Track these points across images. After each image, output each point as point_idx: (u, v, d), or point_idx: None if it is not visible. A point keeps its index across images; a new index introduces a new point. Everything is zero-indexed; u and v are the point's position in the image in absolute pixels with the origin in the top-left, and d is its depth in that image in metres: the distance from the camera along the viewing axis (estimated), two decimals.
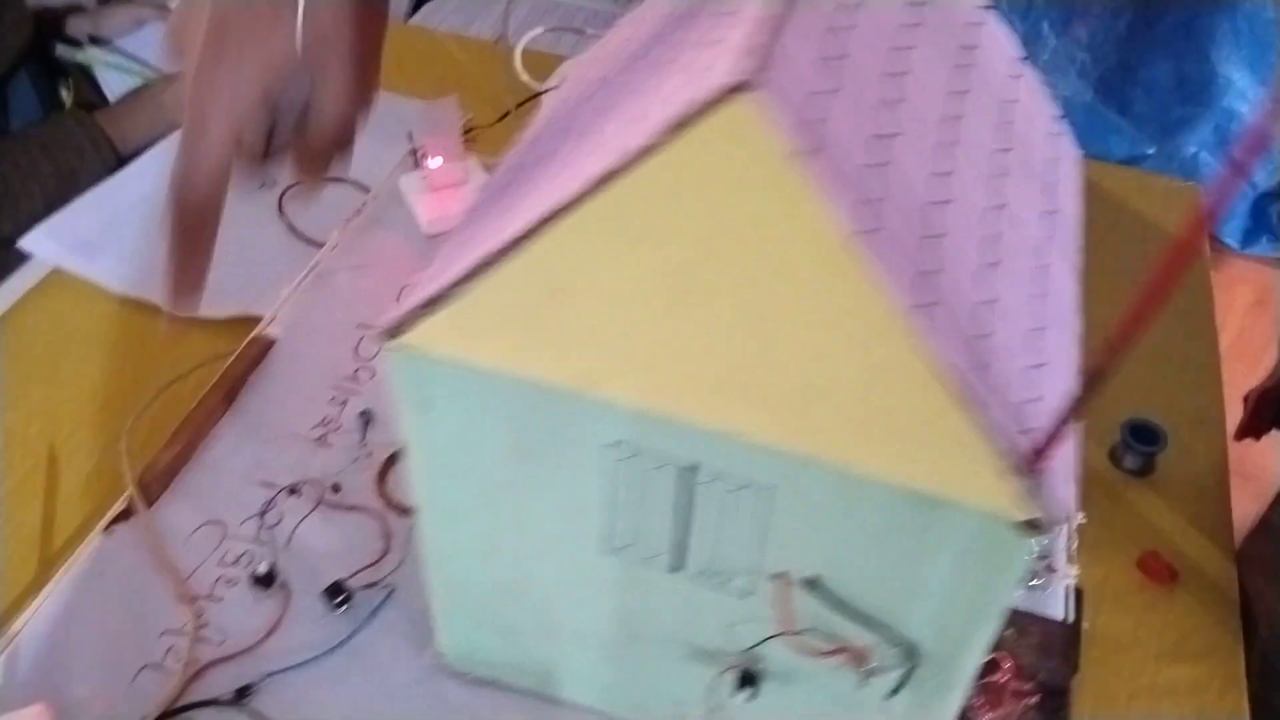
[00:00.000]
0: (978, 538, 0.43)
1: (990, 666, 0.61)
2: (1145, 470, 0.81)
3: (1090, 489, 0.78)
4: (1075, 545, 0.71)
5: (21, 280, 0.92)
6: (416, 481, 0.54)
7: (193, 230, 0.55)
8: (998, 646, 0.63)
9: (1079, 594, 0.70)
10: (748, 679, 0.54)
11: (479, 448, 0.50)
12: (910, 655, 0.49)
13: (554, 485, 0.50)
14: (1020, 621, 0.64)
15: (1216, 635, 0.73)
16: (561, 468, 0.49)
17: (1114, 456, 0.82)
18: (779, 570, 0.49)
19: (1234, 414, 0.91)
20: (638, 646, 0.57)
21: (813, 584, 0.49)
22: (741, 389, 0.43)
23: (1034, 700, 0.60)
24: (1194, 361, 0.92)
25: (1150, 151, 1.46)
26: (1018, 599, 0.67)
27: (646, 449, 0.47)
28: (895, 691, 0.51)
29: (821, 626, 0.50)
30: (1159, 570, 0.75)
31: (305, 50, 0.51)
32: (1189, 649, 0.72)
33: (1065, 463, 0.43)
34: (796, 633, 0.50)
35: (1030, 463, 0.41)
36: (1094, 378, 0.38)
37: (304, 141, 0.56)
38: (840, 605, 0.49)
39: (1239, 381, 1.33)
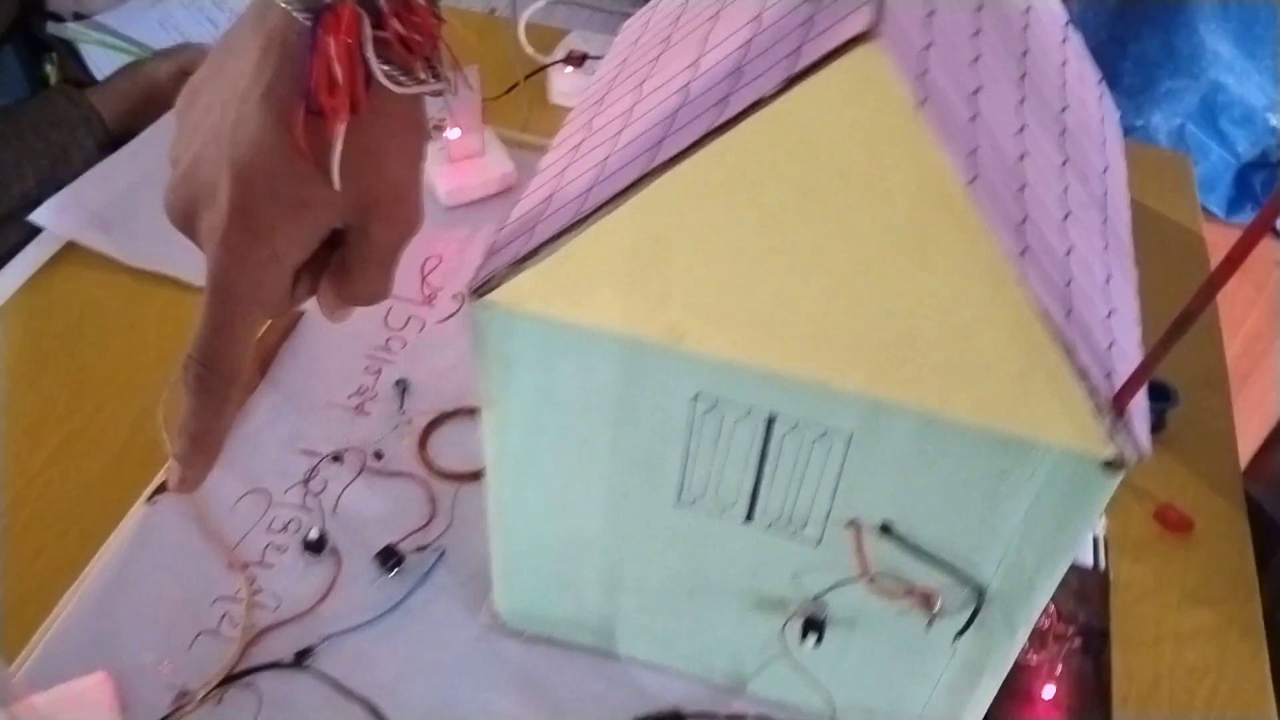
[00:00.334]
0: (1061, 477, 0.44)
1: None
2: (1157, 428, 0.84)
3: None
4: None
5: (36, 253, 0.91)
6: (490, 438, 0.55)
7: (217, 396, 0.49)
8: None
9: (1105, 544, 0.73)
10: (812, 626, 0.56)
11: (560, 404, 0.51)
12: (979, 597, 0.51)
13: (632, 439, 0.51)
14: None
15: (1233, 581, 0.76)
16: (642, 422, 0.50)
17: None
18: (852, 517, 0.51)
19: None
20: (701, 598, 0.59)
21: (886, 529, 0.51)
22: (833, 337, 0.44)
23: (1076, 643, 0.63)
24: (1198, 324, 0.94)
25: (1139, 124, 1.50)
26: None
27: (729, 400, 0.48)
28: (961, 633, 0.53)
29: (891, 571, 0.52)
30: (1175, 521, 0.78)
31: (347, 209, 0.46)
32: (1208, 595, 0.75)
33: (1141, 406, 0.45)
34: (869, 578, 0.52)
35: (1114, 403, 0.42)
36: (1179, 325, 0.40)
37: (343, 285, 0.51)
38: (913, 549, 0.50)
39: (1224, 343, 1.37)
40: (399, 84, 0.43)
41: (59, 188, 0.97)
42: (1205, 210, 1.30)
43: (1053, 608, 0.64)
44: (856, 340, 0.44)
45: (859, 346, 0.44)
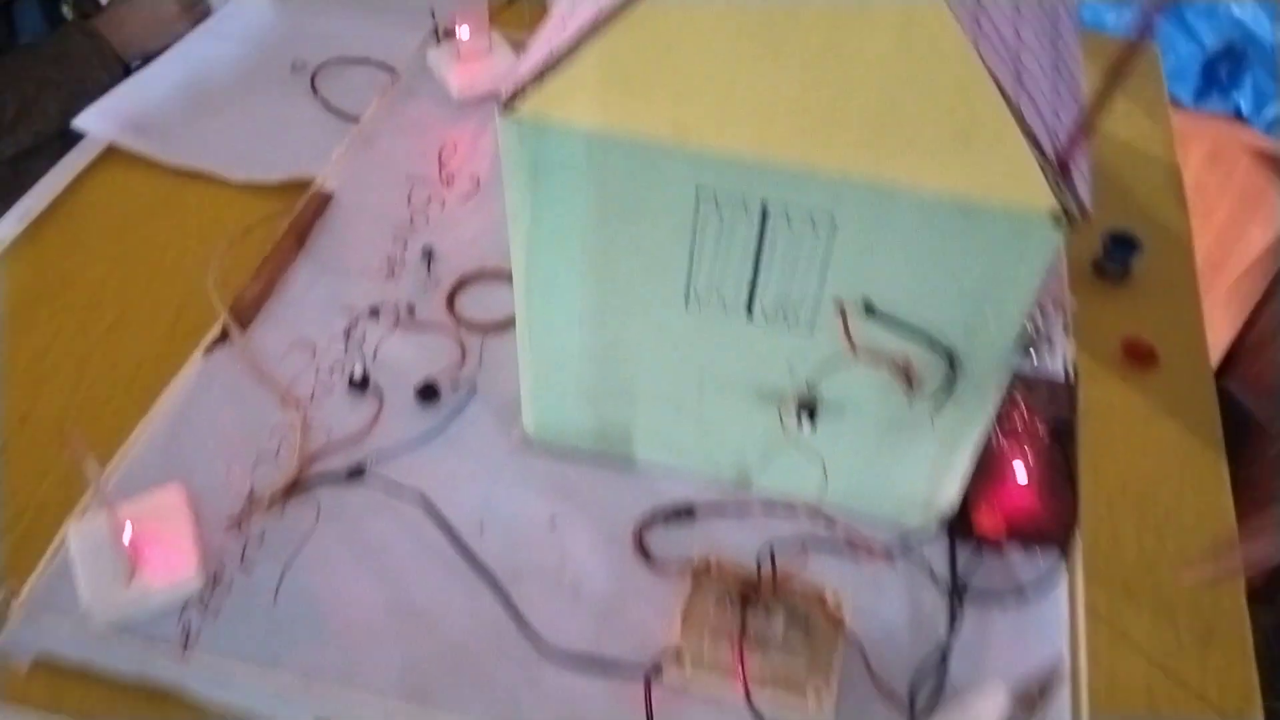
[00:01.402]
0: (1014, 232, 0.52)
1: (1009, 413, 0.71)
2: (1124, 275, 0.91)
3: (1077, 293, 0.89)
4: (1070, 323, 0.81)
5: (78, 157, 0.98)
6: (518, 255, 0.62)
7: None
8: (1013, 402, 0.73)
9: (1074, 370, 0.80)
10: (807, 411, 0.63)
11: (580, 210, 0.58)
12: (950, 365, 0.59)
13: (644, 241, 0.59)
14: (1028, 382, 0.74)
15: (1195, 404, 0.83)
16: (651, 222, 0.58)
17: (1097, 268, 0.92)
18: (838, 300, 0.58)
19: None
20: (709, 398, 0.66)
21: (868, 308, 0.58)
22: (816, 126, 0.51)
23: (1046, 437, 0.70)
24: (1161, 184, 1.02)
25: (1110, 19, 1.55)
26: (1024, 367, 0.76)
27: (728, 193, 0.55)
28: (937, 405, 0.60)
29: (874, 348, 0.59)
30: (1141, 352, 0.85)
31: None
32: (1171, 414, 0.82)
33: (1083, 172, 0.52)
34: (856, 352, 0.59)
35: (1059, 162, 0.50)
36: (1114, 75, 0.47)
37: None
38: (892, 323, 0.58)
39: (1195, 236, 1.44)
40: None
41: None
42: (1174, 98, 1.37)
43: (1024, 408, 0.71)
44: (836, 127, 0.51)
45: (838, 132, 0.51)
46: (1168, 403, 0.83)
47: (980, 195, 0.51)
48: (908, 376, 0.60)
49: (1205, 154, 1.36)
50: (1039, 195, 0.50)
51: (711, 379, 0.65)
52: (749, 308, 0.60)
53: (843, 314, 0.58)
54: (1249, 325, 1.49)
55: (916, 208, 0.53)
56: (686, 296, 0.61)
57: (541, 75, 0.54)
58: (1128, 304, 0.91)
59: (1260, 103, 1.31)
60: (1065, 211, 0.50)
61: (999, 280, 0.54)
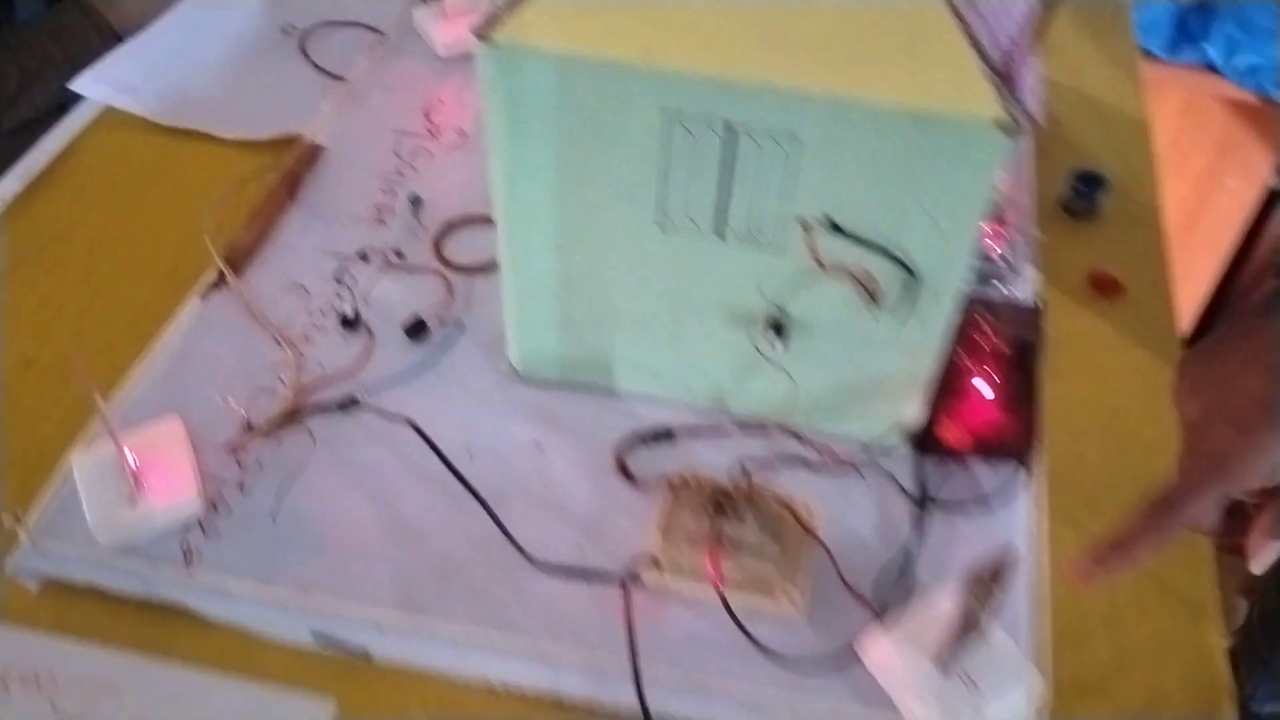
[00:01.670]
0: (964, 142, 0.55)
1: (975, 335, 0.74)
2: (1092, 213, 0.94)
3: (1048, 230, 0.92)
4: (1036, 254, 0.84)
5: (77, 118, 1.01)
6: (497, 183, 0.65)
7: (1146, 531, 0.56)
8: (978, 325, 0.76)
9: (1041, 308, 0.83)
10: (777, 329, 0.66)
11: (555, 135, 0.61)
12: (911, 277, 0.62)
13: (616, 164, 0.61)
14: (994, 307, 0.77)
15: (1158, 330, 0.86)
16: (623, 145, 0.60)
17: (1066, 207, 0.95)
18: (804, 218, 0.61)
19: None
20: (684, 321, 0.69)
21: (832, 224, 0.61)
22: (776, 45, 0.54)
23: (1009, 354, 0.73)
24: (1129, 128, 1.05)
25: None
26: (992, 294, 0.79)
27: (694, 113, 0.58)
28: (899, 315, 0.63)
29: (839, 263, 0.62)
30: (1107, 284, 0.88)
31: None
32: (1138, 343, 0.85)
33: (1030, 85, 0.55)
34: (822, 266, 0.62)
35: (1004, 74, 0.52)
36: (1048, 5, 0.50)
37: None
38: (855, 238, 0.61)
39: (1172, 188, 1.47)
40: None
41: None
42: (1147, 51, 1.39)
43: (990, 331, 0.74)
44: (797, 44, 0.54)
45: (799, 50, 0.54)
46: (1132, 330, 0.86)
47: (932, 107, 0.54)
48: (870, 291, 0.63)
49: (1180, 105, 1.38)
50: (986, 106, 0.53)
51: (686, 303, 0.68)
52: (719, 229, 0.63)
53: (808, 231, 0.61)
54: (1229, 275, 1.52)
55: (873, 121, 0.56)
56: (659, 219, 0.64)
57: (516, 4, 0.57)
58: (1095, 239, 0.93)
59: (1230, 52, 1.33)
60: (1010, 120, 0.53)
61: (952, 192, 0.57)
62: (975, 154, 0.55)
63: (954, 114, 0.54)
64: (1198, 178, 1.41)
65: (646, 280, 0.68)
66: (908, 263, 0.61)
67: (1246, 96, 1.34)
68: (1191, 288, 1.55)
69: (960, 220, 0.59)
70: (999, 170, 0.56)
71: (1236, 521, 0.56)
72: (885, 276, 0.62)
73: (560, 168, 0.63)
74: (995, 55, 0.53)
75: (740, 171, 0.60)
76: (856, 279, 0.62)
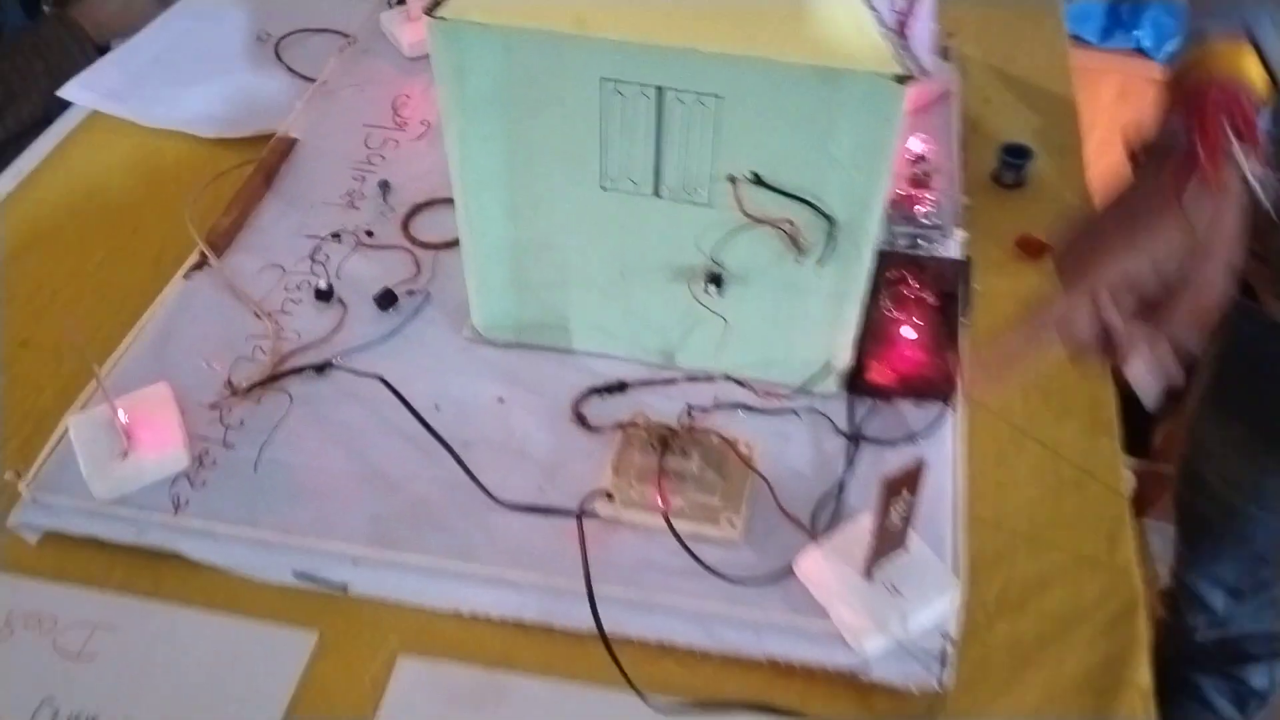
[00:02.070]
0: (867, 94, 0.61)
1: (901, 283, 0.80)
2: (1020, 183, 1.01)
3: (975, 199, 0.98)
4: (963, 217, 0.91)
5: (65, 124, 1.07)
6: (453, 154, 0.71)
7: (1025, 343, 0.64)
8: (905, 280, 0.82)
9: (968, 261, 0.89)
10: (714, 280, 0.72)
11: (502, 104, 0.67)
12: (831, 225, 0.68)
13: (559, 130, 0.68)
14: (922, 261, 0.83)
15: None
16: (564, 111, 0.66)
17: (995, 178, 1.01)
18: (730, 173, 0.67)
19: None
20: (631, 280, 0.75)
21: (756, 178, 0.67)
22: (700, 13, 0.60)
23: (935, 304, 0.79)
24: (1057, 107, 1.12)
25: None
26: (920, 251, 0.85)
27: (627, 79, 0.64)
28: (822, 261, 0.69)
29: (764, 214, 0.68)
30: (1032, 246, 0.95)
31: (1181, 249, 0.59)
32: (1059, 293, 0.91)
33: (923, 42, 0.61)
34: (748, 218, 0.68)
35: (899, 32, 0.59)
36: None
37: (1169, 315, 0.61)
38: (777, 190, 0.67)
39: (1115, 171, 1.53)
40: (1246, 171, 0.58)
41: (61, 103, 1.11)
42: (1082, 39, 1.46)
43: (916, 283, 0.80)
44: (717, 12, 0.60)
45: (719, 17, 0.60)
46: (1056, 285, 0.92)
47: (836, 63, 0.60)
48: (795, 239, 0.69)
49: (1116, 91, 1.45)
50: (883, 61, 0.59)
51: (631, 261, 0.74)
52: (656, 188, 0.69)
53: (735, 185, 0.67)
54: None
55: (786, 79, 0.62)
56: (602, 181, 0.70)
57: None
58: (1023, 206, 1.00)
59: (1160, 38, 1.40)
60: (905, 71, 0.59)
61: (861, 142, 0.64)
62: (876, 105, 0.61)
63: (856, 68, 0.60)
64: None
65: (593, 241, 0.74)
66: (827, 211, 0.67)
67: None
68: None
69: (871, 170, 0.65)
70: (900, 120, 0.62)
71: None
72: (808, 225, 0.68)
73: (508, 135, 0.69)
74: (890, 17, 0.59)
75: (671, 132, 0.66)
76: (782, 229, 0.68)
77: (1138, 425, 1.50)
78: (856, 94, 0.61)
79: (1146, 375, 0.62)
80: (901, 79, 0.60)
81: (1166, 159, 0.61)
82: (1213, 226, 0.60)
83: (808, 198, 0.67)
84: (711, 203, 0.69)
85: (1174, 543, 1.16)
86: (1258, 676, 1.20)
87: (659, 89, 0.64)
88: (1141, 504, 1.89)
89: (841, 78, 0.61)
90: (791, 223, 0.68)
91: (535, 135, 0.68)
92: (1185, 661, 1.25)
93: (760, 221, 0.68)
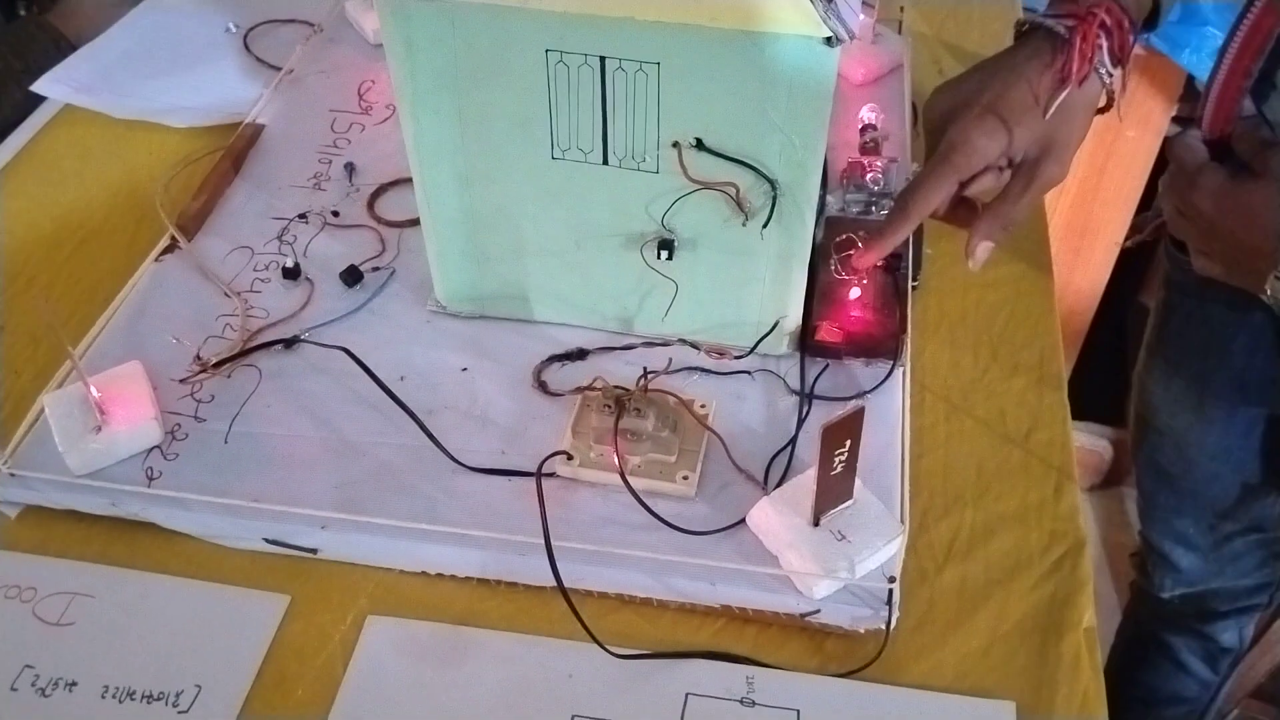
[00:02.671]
0: (799, 60, 0.63)
1: (848, 246, 0.82)
2: None
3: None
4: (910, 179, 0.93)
5: (39, 117, 1.09)
6: (408, 128, 0.73)
7: (898, 218, 0.71)
8: (853, 244, 0.84)
9: (919, 225, 0.91)
10: (665, 246, 0.75)
11: (452, 78, 0.69)
12: (773, 188, 0.70)
13: (508, 101, 0.70)
14: (869, 227, 0.85)
15: (1030, 242, 0.95)
16: (512, 83, 0.69)
17: None
18: (674, 139, 0.69)
19: None
20: (586, 248, 0.77)
21: (700, 144, 0.69)
22: None
23: (882, 266, 0.82)
24: None
25: None
26: (869, 215, 0.88)
27: (570, 49, 0.66)
28: (767, 223, 0.72)
29: (709, 179, 0.70)
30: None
31: (1036, 140, 0.69)
32: (1010, 252, 0.94)
33: (854, 5, 0.64)
34: (693, 184, 0.70)
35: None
36: None
37: (996, 205, 0.72)
38: (720, 155, 0.69)
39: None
40: (1106, 74, 0.69)
41: (39, 102, 1.13)
42: (1033, 11, 1.48)
43: (862, 244, 0.83)
44: None
45: None
46: (1007, 248, 0.94)
47: (768, 28, 0.63)
48: (740, 204, 0.71)
49: None
50: (814, 25, 0.62)
51: (585, 229, 0.77)
52: (605, 155, 0.72)
53: (679, 151, 0.70)
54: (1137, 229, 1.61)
55: (721, 44, 0.64)
56: (552, 150, 0.72)
57: None
58: None
59: None
60: (833, 34, 0.62)
61: (796, 106, 0.66)
62: (808, 68, 0.64)
63: (786, 32, 0.62)
64: (1100, 128, 1.50)
65: (547, 210, 0.76)
66: (769, 174, 0.69)
67: (1136, 49, 1.42)
68: (1106, 237, 1.64)
69: (807, 132, 0.67)
70: (831, 82, 0.64)
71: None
72: (751, 189, 0.71)
73: (459, 109, 0.71)
74: None
75: (616, 101, 0.69)
76: (727, 193, 0.71)
77: (1112, 394, 1.53)
78: (788, 58, 0.64)
79: (982, 246, 0.73)
80: (830, 41, 0.62)
81: (1041, 46, 0.69)
82: (1066, 125, 0.69)
83: (749, 161, 0.69)
84: (658, 169, 0.71)
85: (1136, 499, 1.19)
86: (1228, 634, 1.23)
87: (601, 59, 0.67)
88: (1118, 472, 1.92)
89: (773, 42, 0.63)
90: (736, 187, 0.71)
91: (485, 107, 0.71)
92: (1156, 621, 1.27)
93: (705, 186, 0.71)
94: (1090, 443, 1.86)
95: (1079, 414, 0.84)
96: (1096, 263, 1.67)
